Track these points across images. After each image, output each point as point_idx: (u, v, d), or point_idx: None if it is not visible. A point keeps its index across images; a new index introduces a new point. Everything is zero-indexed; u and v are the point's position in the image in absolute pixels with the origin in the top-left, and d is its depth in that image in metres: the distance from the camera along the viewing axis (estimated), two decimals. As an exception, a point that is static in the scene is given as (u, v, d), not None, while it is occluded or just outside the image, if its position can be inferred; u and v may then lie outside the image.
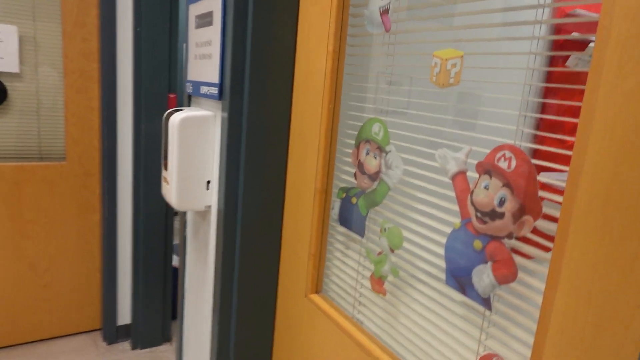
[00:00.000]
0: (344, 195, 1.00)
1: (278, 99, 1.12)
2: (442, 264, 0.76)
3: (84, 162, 2.42)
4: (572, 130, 0.56)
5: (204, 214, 1.30)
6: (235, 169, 1.12)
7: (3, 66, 2.18)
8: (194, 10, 1.26)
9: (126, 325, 2.56)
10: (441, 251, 0.76)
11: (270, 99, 1.11)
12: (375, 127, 0.89)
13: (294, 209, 1.14)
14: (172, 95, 2.27)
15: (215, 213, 1.23)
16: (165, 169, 1.23)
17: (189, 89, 1.31)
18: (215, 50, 1.12)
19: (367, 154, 0.91)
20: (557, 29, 0.83)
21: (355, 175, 0.96)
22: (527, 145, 0.63)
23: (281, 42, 1.09)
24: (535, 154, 0.62)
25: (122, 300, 2.54)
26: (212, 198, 1.24)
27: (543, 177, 0.60)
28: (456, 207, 0.72)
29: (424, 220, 0.80)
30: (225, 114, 1.09)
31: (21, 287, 2.40)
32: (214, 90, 1.13)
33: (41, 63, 2.26)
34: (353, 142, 0.98)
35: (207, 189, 1.23)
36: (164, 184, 1.26)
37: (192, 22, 1.28)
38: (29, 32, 2.21)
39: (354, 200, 0.96)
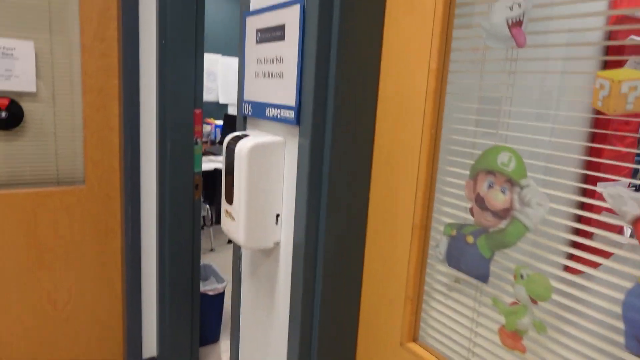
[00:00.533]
0: (455, 232, 0.87)
1: (362, 123, 0.99)
2: (614, 322, 0.63)
3: (104, 185, 2.28)
4: None
5: (269, 251, 1.17)
6: (316, 201, 0.99)
7: (19, 85, 2.03)
8: (255, 23, 1.13)
9: (152, 358, 2.41)
10: (615, 308, 0.63)
11: (354, 122, 0.98)
12: (503, 157, 0.76)
13: (382, 247, 1.01)
14: (197, 111, 2.14)
15: (285, 250, 1.09)
16: (229, 202, 1.09)
17: (247, 110, 1.18)
18: (290, 68, 0.99)
19: (491, 187, 0.79)
20: None
21: (471, 210, 0.83)
22: None
23: (367, 59, 0.97)
24: None
25: (147, 331, 2.39)
26: (281, 234, 1.11)
27: None
28: (637, 257, 0.60)
29: (581, 269, 0.67)
30: (306, 140, 0.96)
31: (41, 323, 2.24)
32: (289, 114, 1.00)
33: (58, 80, 2.12)
34: (458, 170, 0.86)
35: (277, 223, 1.09)
36: (226, 220, 1.12)
37: (250, 35, 1.15)
38: (46, 47, 2.07)
39: (469, 239, 0.83)
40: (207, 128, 5.32)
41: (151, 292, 2.31)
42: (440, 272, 0.94)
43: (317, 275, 1.02)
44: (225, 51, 6.47)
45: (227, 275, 3.84)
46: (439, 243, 0.91)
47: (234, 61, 6.56)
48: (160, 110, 2.00)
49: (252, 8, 1.17)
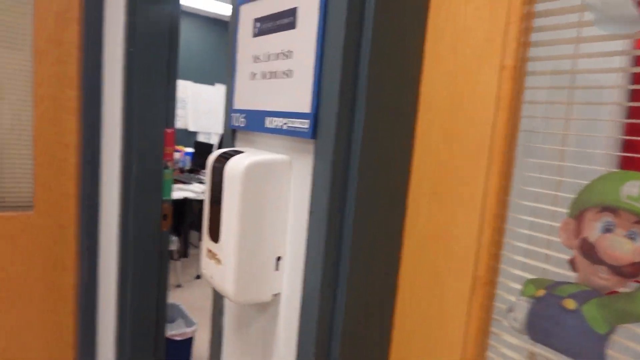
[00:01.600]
0: (542, 293, 0.62)
1: (399, 137, 0.75)
2: None
3: (55, 213, 1.94)
4: None
5: (264, 305, 0.89)
6: (336, 241, 0.73)
7: (-46, 92, 1.71)
8: (252, 12, 0.88)
9: (106, 421, 2.03)
10: None
11: (389, 137, 0.73)
12: (632, 188, 0.52)
13: (424, 305, 0.75)
14: (169, 131, 1.85)
15: (289, 306, 0.82)
16: (214, 239, 0.82)
17: (239, 121, 0.92)
18: (303, 64, 0.74)
19: (609, 230, 0.54)
20: None
21: (571, 263, 0.58)
22: None
23: (407, 52, 0.73)
24: None
25: (101, 386, 2.02)
26: (282, 282, 0.83)
27: None
28: None
29: None
30: (325, 160, 0.70)
31: (-33, 378, 1.85)
32: (301, 124, 0.74)
33: (5, 89, 1.80)
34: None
35: (277, 269, 0.82)
36: (209, 263, 0.84)
37: (245, 28, 0.90)
38: (-10, 50, 1.76)
39: (569, 304, 0.58)
40: (175, 155, 5.00)
41: (108, 339, 1.95)
42: (507, 345, 0.68)
43: (334, 339, 0.75)
44: (196, 78, 6.23)
45: (197, 316, 3.47)
46: (514, 306, 0.65)
47: (204, 89, 6.31)
48: (126, 127, 1.71)
49: (248, -7, 0.92)
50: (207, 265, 0.85)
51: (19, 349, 1.93)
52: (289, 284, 0.82)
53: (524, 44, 0.63)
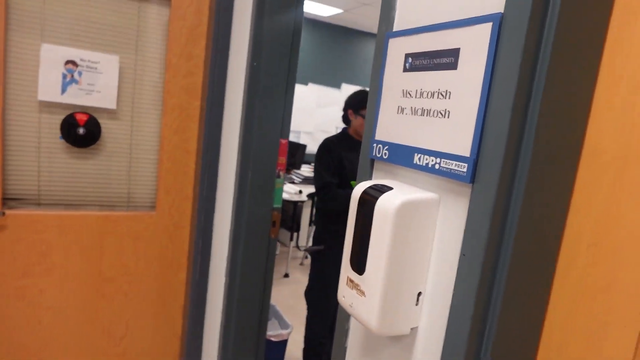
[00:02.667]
0: None
1: (559, 185, 0.73)
2: None
3: (174, 213, 2.10)
4: None
5: (396, 337, 0.90)
6: (488, 285, 0.72)
7: (100, 101, 1.91)
8: (403, 47, 0.89)
9: (210, 411, 2.17)
10: None
11: (550, 184, 0.72)
12: None
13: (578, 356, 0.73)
14: (284, 141, 1.93)
15: (427, 340, 0.83)
16: (358, 271, 0.85)
17: (381, 153, 0.94)
18: (463, 106, 0.74)
19: None
20: None
21: None
22: None
23: (577, 96, 0.71)
24: None
25: (205, 377, 2.16)
26: (420, 317, 0.84)
27: None
28: None
29: None
30: (487, 206, 0.70)
31: (95, 355, 2.06)
32: (457, 167, 0.75)
33: (139, 98, 1.98)
34: None
35: (417, 304, 0.83)
36: (350, 293, 0.87)
37: (395, 61, 0.92)
38: (130, 62, 1.94)
39: None
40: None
41: (214, 334, 2.09)
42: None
43: (479, 386, 0.75)
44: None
45: (288, 315, 3.56)
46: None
47: (297, 88, 6.49)
48: (246, 136, 1.81)
49: (397, 27, 0.94)
50: (347, 294, 0.88)
51: (134, 336, 2.12)
52: (428, 320, 0.83)
53: None
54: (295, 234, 4.95)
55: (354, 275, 0.86)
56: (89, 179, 1.96)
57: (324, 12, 6.46)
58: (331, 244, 2.45)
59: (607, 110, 0.70)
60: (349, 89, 7.37)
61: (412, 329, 0.85)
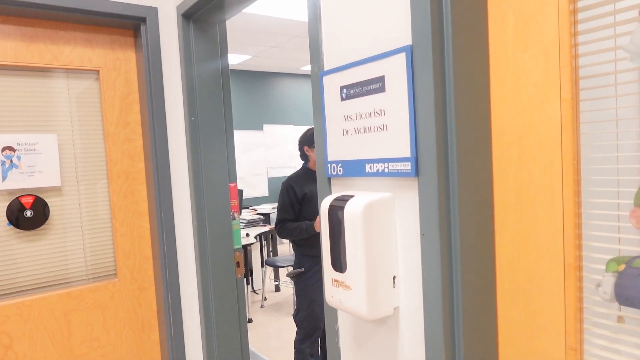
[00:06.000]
0: (624, 267, 0.79)
1: (480, 166, 0.94)
2: None
3: (137, 276, 2.13)
4: None
5: (382, 320, 1.06)
6: (449, 256, 0.91)
7: (44, 181, 1.93)
8: (336, 81, 1.09)
9: None
10: None
11: (473, 167, 0.92)
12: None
13: (523, 296, 0.92)
14: (232, 185, 2.06)
15: (409, 316, 0.99)
16: (341, 270, 1.00)
17: (336, 170, 1.11)
18: (397, 119, 0.94)
19: (671, 211, 0.72)
20: None
21: (646, 240, 0.76)
22: None
23: (478, 99, 0.93)
24: None
25: None
26: (399, 297, 1.01)
27: None
28: None
29: None
30: (430, 192, 0.89)
31: None
32: (402, 167, 0.93)
33: (83, 170, 2.03)
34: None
35: (394, 286, 1.00)
36: (336, 291, 1.02)
37: (332, 94, 1.11)
38: (68, 138, 2.00)
39: (650, 272, 0.76)
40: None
41: (198, 387, 2.10)
42: (597, 314, 0.85)
43: (457, 335, 0.92)
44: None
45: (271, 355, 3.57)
46: (601, 282, 0.82)
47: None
48: (197, 186, 1.92)
49: (328, 67, 1.14)
50: (334, 293, 1.03)
51: (117, 409, 2.08)
52: (406, 298, 1.00)
53: (575, 80, 0.83)
54: (250, 278, 4.97)
55: (337, 275, 1.01)
56: (45, 260, 1.95)
57: (233, 60, 6.70)
58: (310, 265, 2.73)
59: (500, 101, 0.93)
60: (270, 129, 7.60)
61: (394, 308, 1.01)
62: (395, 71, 0.93)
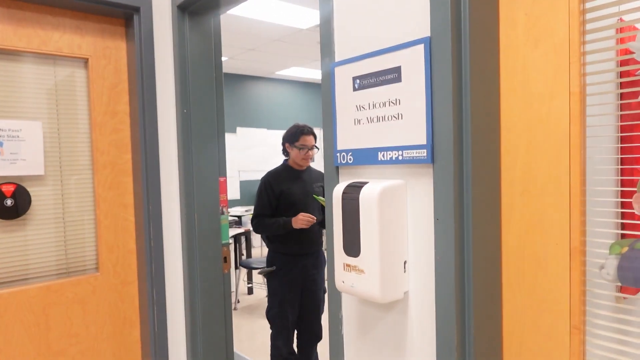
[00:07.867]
0: (627, 249, 0.85)
1: (491, 155, 0.98)
2: None
3: (120, 270, 2.09)
4: None
5: (389, 305, 1.08)
6: (462, 242, 0.94)
7: (26, 169, 1.87)
8: (349, 72, 1.11)
9: None
10: None
11: (485, 155, 0.97)
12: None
13: (529, 280, 0.97)
14: (222, 179, 2.05)
15: (418, 301, 1.02)
16: (355, 255, 1.02)
17: (346, 159, 1.14)
18: (413, 108, 0.97)
19: (673, 196, 0.79)
20: None
21: (648, 224, 0.82)
22: None
23: (491, 91, 0.98)
24: None
25: None
26: (409, 282, 1.04)
27: None
28: None
29: None
30: (448, 177, 0.93)
31: None
32: (418, 154, 0.97)
33: (68, 159, 1.97)
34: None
35: (405, 270, 1.03)
36: (349, 276, 1.04)
37: (343, 85, 1.13)
38: (53, 126, 1.94)
39: (652, 253, 0.82)
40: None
41: (180, 384, 2.06)
42: (598, 296, 0.91)
43: (468, 319, 0.96)
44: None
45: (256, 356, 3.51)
46: (605, 264, 0.88)
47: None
48: (187, 179, 1.90)
49: (339, 58, 1.16)
50: (345, 278, 1.05)
51: (93, 407, 2.01)
52: (415, 283, 1.03)
53: (584, 75, 0.89)
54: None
55: (349, 260, 1.03)
56: (24, 251, 1.88)
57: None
58: (282, 263, 2.73)
59: (509, 94, 0.98)
60: (244, 132, 7.56)
61: (404, 292, 1.04)
62: (413, 62, 0.97)
